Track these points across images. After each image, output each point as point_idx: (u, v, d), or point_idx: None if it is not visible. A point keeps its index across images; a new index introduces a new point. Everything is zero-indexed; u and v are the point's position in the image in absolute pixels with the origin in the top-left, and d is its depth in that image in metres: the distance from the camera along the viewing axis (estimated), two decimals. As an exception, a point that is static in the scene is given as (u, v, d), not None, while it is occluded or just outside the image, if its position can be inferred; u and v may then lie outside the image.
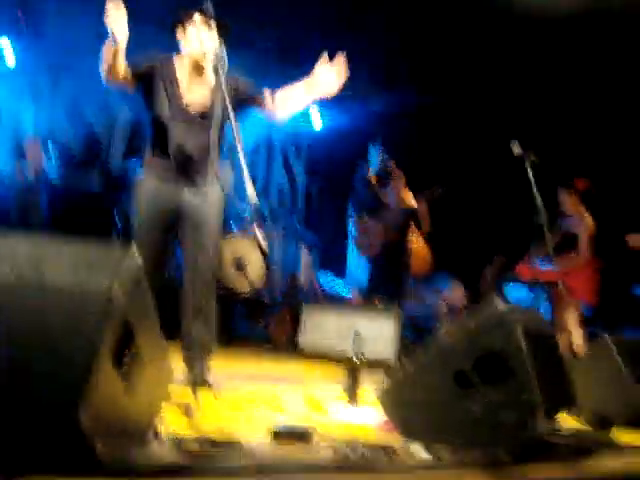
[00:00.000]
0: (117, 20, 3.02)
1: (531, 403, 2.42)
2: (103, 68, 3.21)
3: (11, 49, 8.10)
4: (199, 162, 3.48)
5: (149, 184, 3.52)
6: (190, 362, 3.47)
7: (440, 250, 7.31)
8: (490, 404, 2.48)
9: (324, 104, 9.31)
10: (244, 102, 3.56)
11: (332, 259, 8.43)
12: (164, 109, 3.45)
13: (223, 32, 3.52)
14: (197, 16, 3.44)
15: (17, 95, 8.77)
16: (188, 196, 3.48)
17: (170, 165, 3.47)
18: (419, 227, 6.75)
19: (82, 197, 8.74)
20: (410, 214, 6.61)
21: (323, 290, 7.59)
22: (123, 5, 3.02)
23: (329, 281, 8.02)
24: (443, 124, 8.01)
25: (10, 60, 8.16)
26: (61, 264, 1.88)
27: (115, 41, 3.06)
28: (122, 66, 3.23)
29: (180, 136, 3.45)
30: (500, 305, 2.59)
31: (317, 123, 9.63)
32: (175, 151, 3.45)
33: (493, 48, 7.09)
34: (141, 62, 3.40)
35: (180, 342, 3.55)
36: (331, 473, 2.02)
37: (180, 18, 3.49)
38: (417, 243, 7.03)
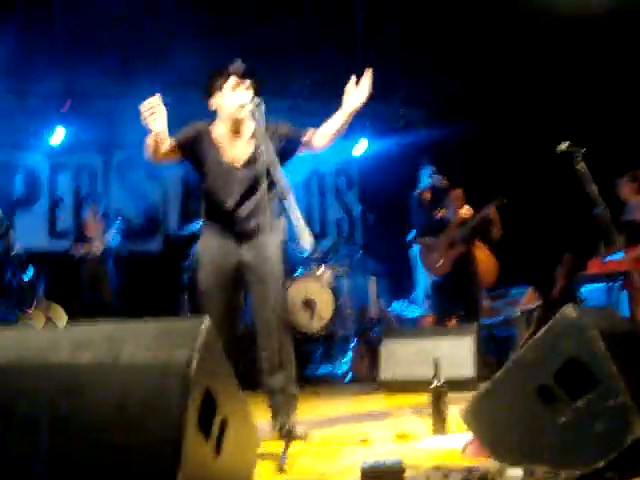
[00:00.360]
0: (154, 118, 3.22)
1: (622, 409, 2.35)
2: (148, 153, 3.40)
3: (64, 132, 8.48)
4: (252, 215, 3.57)
5: (207, 245, 3.64)
6: (276, 415, 3.51)
7: (509, 258, 7.22)
8: (579, 416, 2.41)
9: (371, 134, 9.46)
10: (289, 146, 3.64)
11: (398, 284, 8.39)
12: (210, 173, 3.57)
13: (257, 86, 3.64)
14: (229, 79, 3.56)
15: (73, 174, 9.16)
16: (246, 251, 3.56)
17: (225, 223, 3.58)
18: (485, 237, 6.66)
19: (146, 263, 9.02)
20: (473, 226, 6.54)
21: (396, 317, 7.55)
22: (157, 100, 3.19)
23: (400, 307, 7.98)
24: (489, 135, 8.00)
25: (60, 136, 8.53)
26: (137, 342, 1.95)
27: (156, 131, 3.25)
28: (165, 146, 3.40)
29: (230, 194, 3.56)
30: (572, 311, 2.54)
31: (361, 150, 9.72)
32: (226, 209, 3.56)
33: (530, 52, 7.10)
34: (182, 135, 3.57)
35: (265, 395, 3.61)
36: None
37: (213, 84, 3.61)
38: (483, 254, 6.95)
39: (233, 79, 3.57)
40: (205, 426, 1.91)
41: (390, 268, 8.25)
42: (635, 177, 5.93)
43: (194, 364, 1.83)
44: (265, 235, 3.54)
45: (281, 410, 3.49)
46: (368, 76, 3.49)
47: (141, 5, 6.97)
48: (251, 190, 3.54)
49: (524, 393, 2.55)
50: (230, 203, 3.56)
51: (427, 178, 7.28)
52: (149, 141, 3.36)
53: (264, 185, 3.41)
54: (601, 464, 2.29)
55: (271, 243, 3.57)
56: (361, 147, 9.71)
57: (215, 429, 1.96)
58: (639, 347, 2.85)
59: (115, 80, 8.24)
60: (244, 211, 3.56)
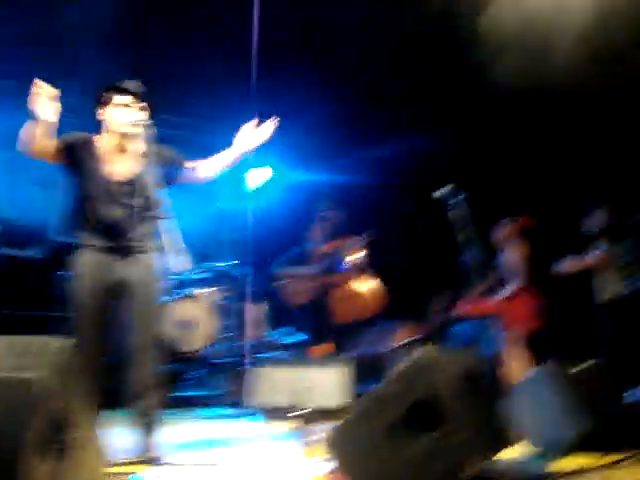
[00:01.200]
0: (44, 103, 3.17)
1: (463, 445, 2.49)
2: (23, 143, 3.32)
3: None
4: (129, 232, 3.54)
5: (84, 259, 3.56)
6: (137, 436, 3.46)
7: (393, 292, 7.42)
8: (427, 450, 2.54)
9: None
10: (172, 169, 3.66)
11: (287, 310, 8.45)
12: (88, 184, 3.52)
13: (151, 108, 3.64)
14: (123, 96, 3.56)
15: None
16: (123, 268, 3.53)
17: (101, 238, 3.53)
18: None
19: (27, 268, 8.68)
20: (335, 258, 6.69)
21: (277, 343, 7.58)
22: (55, 92, 3.15)
23: (281, 334, 8.02)
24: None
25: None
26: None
27: (44, 120, 3.19)
28: (46, 142, 3.33)
29: (108, 209, 3.53)
30: (429, 351, 2.68)
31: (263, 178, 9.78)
32: (104, 224, 3.53)
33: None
34: (66, 138, 3.51)
35: (128, 414, 3.55)
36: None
37: (103, 98, 3.59)
38: (364, 286, 7.08)
39: (129, 97, 3.57)
40: (48, 446, 1.89)
41: (274, 293, 8.27)
42: (513, 222, 6.17)
43: (41, 383, 1.81)
44: (143, 254, 3.52)
45: (142, 431, 3.45)
46: (273, 125, 3.64)
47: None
48: (130, 206, 3.52)
49: (380, 425, 2.66)
50: (107, 217, 3.52)
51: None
52: (29, 129, 3.26)
53: (144, 203, 3.39)
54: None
55: (148, 262, 3.55)
56: (263, 175, 9.78)
57: (58, 450, 1.93)
58: (486, 389, 3.03)
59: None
60: (121, 226, 3.53)
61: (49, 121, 3.24)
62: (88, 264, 3.54)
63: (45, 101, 3.19)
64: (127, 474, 2.84)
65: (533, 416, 3.67)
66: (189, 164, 3.72)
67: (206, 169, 3.73)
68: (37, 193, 9.22)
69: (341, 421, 2.87)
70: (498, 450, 2.96)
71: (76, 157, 3.53)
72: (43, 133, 3.29)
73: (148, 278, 3.53)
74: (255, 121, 3.66)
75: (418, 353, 2.66)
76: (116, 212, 3.53)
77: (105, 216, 3.52)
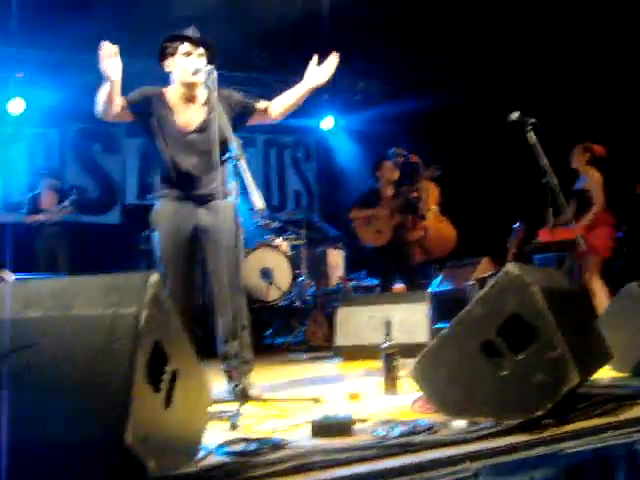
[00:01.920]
0: (111, 63, 3.20)
1: (560, 360, 2.46)
2: (98, 106, 3.35)
3: (24, 104, 8.35)
4: (206, 180, 3.62)
5: (164, 211, 3.65)
6: (231, 377, 3.56)
7: (463, 228, 7.36)
8: (520, 368, 2.52)
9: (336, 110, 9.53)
10: (242, 113, 3.68)
11: (357, 255, 8.48)
12: (164, 137, 3.57)
13: (211, 52, 3.66)
14: (184, 44, 3.57)
15: (28, 143, 9.03)
16: (202, 215, 3.59)
17: (179, 187, 3.60)
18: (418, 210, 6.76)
19: (104, 234, 8.97)
20: (407, 197, 6.64)
21: (354, 286, 7.64)
22: (116, 48, 3.17)
23: (358, 276, 8.07)
24: (442, 107, 8.11)
25: (19, 107, 8.39)
26: (86, 296, 1.98)
27: (110, 81, 3.21)
28: (117, 102, 3.36)
29: (183, 159, 3.59)
30: (514, 269, 2.63)
31: (329, 125, 9.79)
32: (181, 174, 3.59)
33: (486, 23, 7.17)
34: (134, 96, 3.55)
35: (219, 358, 3.65)
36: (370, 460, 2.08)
37: (167, 48, 3.60)
38: (442, 222, 7.03)
39: (187, 45, 3.58)
40: (155, 378, 1.96)
41: (348, 239, 8.31)
42: (587, 149, 6.08)
43: (143, 317, 1.87)
44: (219, 199, 3.56)
45: (235, 373, 3.54)
46: (334, 59, 3.59)
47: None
48: (204, 154, 3.56)
49: (469, 348, 2.65)
50: (184, 167, 3.58)
51: (395, 158, 7.35)
52: (103, 91, 3.32)
53: (217, 149, 3.43)
54: (540, 412, 2.40)
55: (226, 207, 3.59)
56: (328, 122, 9.80)
57: (165, 381, 2.00)
58: (576, 305, 2.97)
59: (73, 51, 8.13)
60: (198, 175, 3.59)
61: (118, 80, 3.29)
62: (167, 214, 3.63)
63: (113, 61, 3.23)
64: (227, 411, 2.92)
65: (620, 340, 3.57)
66: (259, 104, 3.72)
67: (277, 108, 3.72)
68: (109, 161, 9.50)
69: (428, 347, 2.86)
70: (596, 368, 2.91)
71: (147, 112, 3.58)
72: (116, 93, 3.35)
73: (227, 224, 3.57)
74: (316, 58, 3.62)
75: (505, 270, 2.61)
76: (190, 160, 3.59)
77: (180, 165, 3.59)
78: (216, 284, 3.60)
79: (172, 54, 3.61)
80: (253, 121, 3.77)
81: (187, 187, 3.60)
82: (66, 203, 8.10)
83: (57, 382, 1.86)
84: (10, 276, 4.74)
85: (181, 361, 2.10)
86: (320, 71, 3.61)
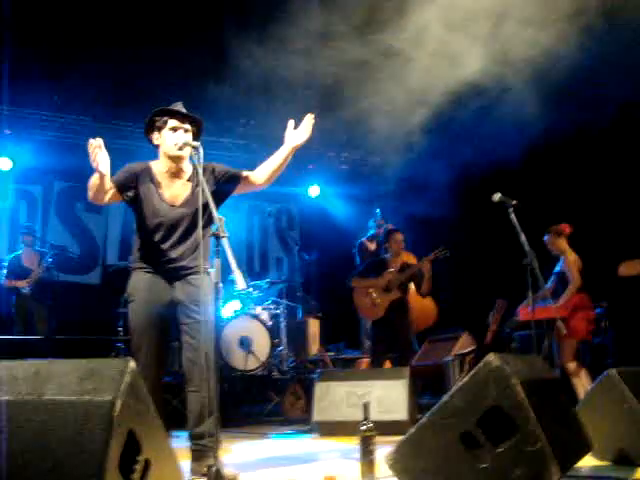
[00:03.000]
0: (99, 157, 3.26)
1: (540, 454, 2.43)
2: (90, 194, 3.43)
3: (10, 163, 8.42)
4: (186, 254, 3.60)
5: (140, 282, 3.62)
6: (200, 457, 3.46)
7: (444, 302, 7.40)
8: (500, 461, 2.49)
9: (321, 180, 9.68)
10: (228, 182, 3.70)
11: (338, 326, 8.47)
12: (148, 210, 3.58)
13: (197, 128, 3.72)
14: (172, 119, 3.62)
15: (13, 202, 9.02)
16: (179, 289, 3.57)
17: (160, 261, 3.59)
18: (418, 286, 6.79)
19: (83, 294, 8.89)
20: (411, 273, 6.66)
21: (333, 359, 7.59)
22: (100, 141, 3.25)
23: (338, 349, 8.03)
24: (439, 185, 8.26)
25: (6, 165, 8.44)
26: (61, 381, 1.94)
27: (100, 173, 3.29)
28: (107, 190, 3.43)
29: (166, 232, 3.60)
30: (495, 360, 2.62)
31: (315, 193, 9.93)
32: (162, 247, 3.59)
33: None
34: (120, 177, 3.59)
35: (189, 435, 3.56)
36: None
37: (154, 123, 3.65)
38: (420, 299, 7.09)
39: (175, 120, 3.63)
40: (127, 468, 1.91)
41: (330, 309, 8.30)
42: (558, 232, 6.14)
43: (118, 406, 1.83)
44: (199, 275, 3.55)
45: (208, 452, 3.45)
46: (310, 119, 3.65)
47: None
48: (188, 229, 3.58)
49: (448, 439, 2.61)
50: (166, 240, 3.58)
51: (373, 228, 7.48)
52: (93, 181, 3.37)
53: (200, 225, 3.44)
54: (519, 510, 2.35)
55: (204, 284, 3.57)
56: (314, 191, 9.94)
57: (137, 472, 1.95)
58: (557, 394, 2.96)
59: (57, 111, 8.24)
60: (179, 249, 3.59)
61: (107, 172, 3.34)
62: (143, 286, 3.59)
63: (100, 155, 3.27)
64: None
65: (600, 427, 3.54)
66: (245, 173, 3.75)
67: (263, 174, 3.73)
68: (91, 220, 9.49)
69: (404, 436, 2.82)
70: (577, 459, 2.88)
71: (135, 186, 3.60)
72: (106, 183, 3.40)
73: (206, 298, 3.55)
74: (292, 123, 3.68)
75: (485, 361, 2.60)
76: (173, 234, 3.59)
77: (162, 238, 3.58)
78: (190, 359, 3.54)
79: (160, 128, 3.65)
80: (240, 190, 3.78)
81: (167, 260, 3.58)
82: (47, 262, 8.03)
83: (25, 470, 1.80)
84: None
85: (154, 449, 2.06)
86: (299, 132, 3.66)
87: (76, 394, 1.87)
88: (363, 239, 7.64)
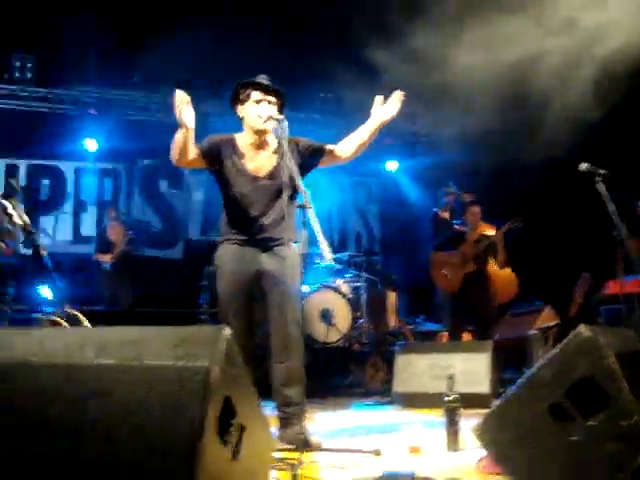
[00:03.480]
0: (185, 111, 3.27)
1: (635, 428, 2.37)
2: (174, 153, 3.44)
3: (96, 144, 8.76)
4: (272, 225, 3.64)
5: (227, 254, 3.69)
6: (287, 424, 3.55)
7: (528, 276, 7.25)
8: (592, 435, 2.44)
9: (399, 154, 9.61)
10: (312, 156, 3.71)
11: (417, 299, 8.44)
12: (233, 182, 3.65)
13: (281, 101, 3.73)
14: (255, 92, 3.65)
15: (99, 181, 9.35)
16: (266, 260, 3.63)
17: (245, 233, 3.65)
18: (495, 258, 6.70)
19: (167, 269, 9.14)
20: (487, 245, 6.58)
21: (413, 331, 7.58)
22: (188, 97, 3.26)
23: (418, 321, 8.01)
24: (512, 154, 8.07)
25: (92, 146, 8.78)
26: (159, 347, 2.01)
27: (185, 127, 3.30)
28: (191, 149, 3.45)
29: (252, 204, 3.64)
30: (586, 330, 2.56)
31: (392, 166, 9.89)
32: (248, 218, 3.64)
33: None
34: (207, 142, 3.63)
35: (275, 403, 3.64)
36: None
37: (239, 94, 3.69)
38: (503, 270, 6.98)
39: (259, 92, 3.66)
40: (223, 431, 1.97)
41: (409, 282, 8.28)
42: None
43: (214, 372, 1.89)
44: (285, 246, 3.60)
45: (294, 420, 3.53)
46: (400, 95, 3.60)
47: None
48: (273, 201, 3.62)
49: (536, 410, 2.58)
50: (252, 212, 3.63)
51: (443, 195, 7.40)
52: (178, 137, 3.39)
53: (286, 196, 3.47)
54: (612, 483, 2.31)
55: (291, 255, 3.63)
56: (392, 165, 9.91)
57: (233, 435, 2.01)
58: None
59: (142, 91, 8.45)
60: (265, 221, 3.64)
61: (192, 128, 3.36)
62: (230, 258, 3.66)
63: (186, 109, 3.29)
64: (287, 462, 2.92)
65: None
66: (329, 146, 3.74)
67: (348, 147, 3.70)
68: (173, 196, 9.73)
69: (492, 408, 2.80)
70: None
71: (219, 158, 3.64)
72: (190, 140, 3.42)
73: (291, 270, 3.61)
74: (380, 98, 3.63)
75: (576, 332, 2.55)
76: (259, 206, 3.64)
77: (248, 210, 3.64)
78: (276, 329, 3.60)
79: (244, 100, 3.69)
80: (324, 164, 3.78)
81: (252, 232, 3.64)
82: (132, 237, 8.30)
83: (129, 431, 1.88)
84: (82, 320, 4.85)
85: (248, 414, 2.11)
86: (387, 107, 3.61)
87: (174, 360, 1.93)
88: (436, 209, 7.56)
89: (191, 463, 1.79)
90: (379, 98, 3.63)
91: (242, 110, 3.71)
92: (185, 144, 3.40)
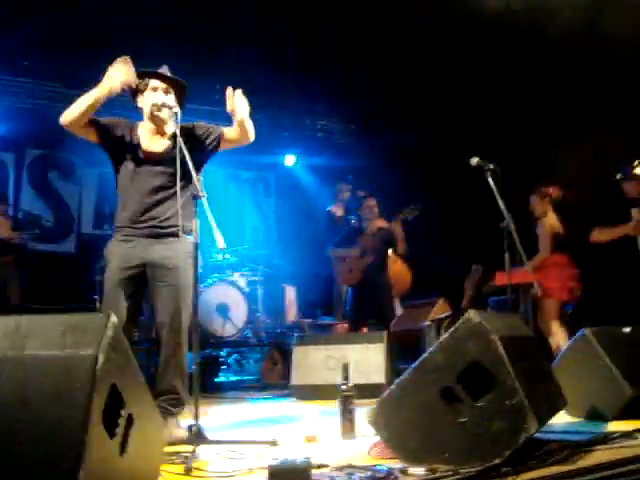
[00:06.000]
0: (121, 67, 3.34)
1: (518, 408, 2.47)
2: (72, 111, 3.37)
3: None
4: (165, 215, 3.56)
5: (115, 247, 3.60)
6: (164, 414, 3.46)
7: (420, 268, 7.44)
8: (479, 415, 2.52)
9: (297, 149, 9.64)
10: (212, 139, 3.65)
11: (314, 293, 8.49)
12: (126, 166, 3.56)
13: (180, 90, 3.71)
14: (152, 80, 3.61)
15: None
16: (156, 250, 3.54)
17: (136, 222, 3.55)
18: (395, 249, 6.86)
19: (58, 263, 8.80)
20: (385, 236, 6.71)
21: (310, 325, 7.62)
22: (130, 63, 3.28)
23: (314, 315, 8.06)
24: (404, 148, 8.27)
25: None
26: (43, 336, 1.92)
27: (110, 86, 3.33)
28: (90, 119, 3.41)
29: (144, 191, 3.55)
30: (475, 316, 2.65)
31: (291, 162, 9.91)
32: (140, 207, 3.55)
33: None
34: (107, 118, 3.58)
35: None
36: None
37: (138, 85, 3.62)
38: (396, 264, 7.14)
39: (155, 81, 3.62)
40: (110, 423, 1.90)
41: (307, 276, 8.32)
42: (544, 194, 6.16)
43: (101, 359, 1.82)
44: (176, 237, 3.53)
45: (168, 410, 3.46)
46: (239, 95, 3.52)
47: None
48: (165, 188, 3.55)
49: (428, 395, 2.65)
50: (144, 199, 3.55)
51: (339, 194, 7.52)
52: (90, 95, 3.35)
53: (179, 185, 3.40)
54: (497, 460, 2.40)
55: (181, 246, 3.56)
56: (290, 160, 9.91)
57: (121, 426, 1.95)
58: (533, 351, 3.01)
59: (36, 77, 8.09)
60: (158, 208, 3.55)
61: (117, 88, 3.35)
62: (118, 250, 3.57)
63: (125, 66, 3.31)
64: (179, 453, 2.86)
65: (575, 385, 3.62)
66: (224, 129, 3.69)
67: (233, 131, 3.66)
68: (65, 189, 9.37)
69: (386, 392, 2.85)
70: (551, 414, 2.93)
71: (113, 138, 3.56)
72: (100, 103, 3.37)
73: (181, 261, 3.54)
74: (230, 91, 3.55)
75: (465, 317, 2.63)
76: (151, 193, 3.56)
77: (140, 197, 3.55)
78: (158, 323, 3.57)
79: (142, 90, 3.64)
80: (225, 146, 3.71)
81: (145, 221, 3.55)
82: (22, 231, 7.94)
83: (8, 425, 1.79)
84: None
85: (137, 404, 2.05)
86: (239, 104, 3.53)
87: (58, 348, 1.85)
88: (330, 206, 7.67)
89: (75, 458, 1.72)
90: (229, 93, 3.52)
91: (140, 99, 3.65)
92: (93, 106, 3.36)
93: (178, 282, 3.52)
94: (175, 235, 3.53)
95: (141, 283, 3.57)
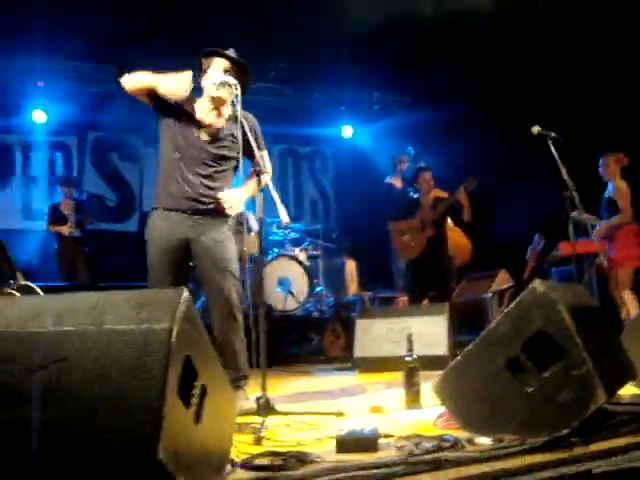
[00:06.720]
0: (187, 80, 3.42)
1: (586, 378, 2.45)
2: (138, 78, 3.49)
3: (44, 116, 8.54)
4: (212, 190, 3.61)
5: (156, 224, 3.64)
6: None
7: (480, 238, 7.36)
8: (546, 386, 2.51)
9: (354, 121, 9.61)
10: (250, 142, 3.60)
11: (374, 266, 8.49)
12: (178, 141, 3.61)
13: (242, 72, 3.70)
14: (215, 60, 3.64)
15: (49, 153, 9.14)
16: (199, 225, 3.60)
17: (180, 197, 3.59)
18: (457, 219, 6.77)
19: (122, 242, 9.02)
20: (444, 206, 6.64)
21: (371, 297, 7.65)
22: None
23: (376, 288, 8.08)
24: (467, 118, 8.15)
25: (40, 117, 8.57)
26: (119, 311, 1.99)
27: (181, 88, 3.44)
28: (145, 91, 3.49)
29: (194, 167, 3.59)
30: (540, 286, 2.63)
31: (347, 132, 9.91)
32: (187, 182, 3.59)
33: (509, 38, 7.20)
34: None
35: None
36: (398, 477, 2.08)
37: (202, 64, 3.69)
38: (456, 234, 7.07)
39: (221, 61, 3.64)
40: (185, 394, 1.97)
41: (366, 249, 8.32)
42: (616, 159, 6.00)
43: (175, 332, 1.88)
44: (220, 216, 3.59)
45: (236, 385, 3.54)
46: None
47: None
48: (216, 165, 3.60)
49: (493, 365, 2.64)
50: (193, 175, 3.59)
51: (397, 165, 7.46)
52: (149, 78, 3.46)
53: (230, 165, 3.44)
54: (565, 431, 2.38)
55: (226, 222, 3.62)
56: (347, 132, 9.91)
57: (195, 397, 2.01)
58: (601, 321, 2.96)
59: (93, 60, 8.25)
60: (205, 184, 3.60)
61: (172, 91, 3.46)
62: (160, 226, 3.61)
63: (188, 82, 3.42)
64: (249, 423, 2.94)
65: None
66: (256, 161, 3.61)
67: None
68: (126, 169, 9.58)
69: (452, 363, 2.86)
70: (620, 385, 2.89)
71: (171, 108, 3.59)
72: (153, 89, 3.46)
73: (224, 241, 3.59)
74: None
75: (531, 287, 2.61)
76: (201, 169, 3.60)
77: (189, 173, 3.59)
78: (210, 299, 3.64)
79: (205, 70, 3.67)
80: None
81: (189, 197, 3.59)
82: (86, 211, 8.15)
83: (89, 397, 1.87)
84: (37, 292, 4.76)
85: (209, 376, 2.12)
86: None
87: (134, 323, 1.92)
88: (388, 178, 7.61)
89: (154, 428, 1.79)
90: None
91: (204, 78, 3.67)
92: (151, 89, 3.47)
93: (224, 256, 3.57)
94: (219, 214, 3.59)
95: (186, 258, 3.62)
